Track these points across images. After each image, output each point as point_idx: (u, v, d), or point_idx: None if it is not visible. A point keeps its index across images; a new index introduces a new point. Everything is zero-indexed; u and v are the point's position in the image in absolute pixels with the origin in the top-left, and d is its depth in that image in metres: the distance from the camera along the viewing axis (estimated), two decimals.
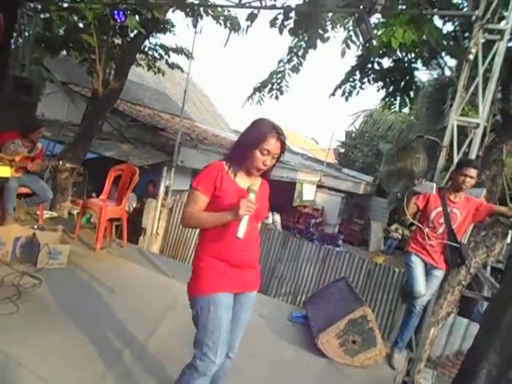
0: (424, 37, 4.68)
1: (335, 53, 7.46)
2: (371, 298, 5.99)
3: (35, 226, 4.56)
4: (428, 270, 3.25)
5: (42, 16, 6.86)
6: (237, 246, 1.88)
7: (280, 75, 7.08)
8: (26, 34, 6.19)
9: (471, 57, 3.38)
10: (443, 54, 5.81)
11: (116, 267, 4.23)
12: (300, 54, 6.56)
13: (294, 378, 2.98)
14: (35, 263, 3.69)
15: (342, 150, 24.75)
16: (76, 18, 7.25)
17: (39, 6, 6.36)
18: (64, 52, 8.47)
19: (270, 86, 7.20)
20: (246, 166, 1.95)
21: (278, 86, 7.17)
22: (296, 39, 6.01)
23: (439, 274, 3.26)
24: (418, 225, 3.27)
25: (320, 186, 15.80)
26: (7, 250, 3.74)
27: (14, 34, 6.07)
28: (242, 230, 1.77)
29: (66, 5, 6.31)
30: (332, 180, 16.23)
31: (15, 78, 6.02)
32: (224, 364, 2.00)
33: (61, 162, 4.89)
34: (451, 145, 3.52)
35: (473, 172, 3.09)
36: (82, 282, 3.67)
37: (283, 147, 1.94)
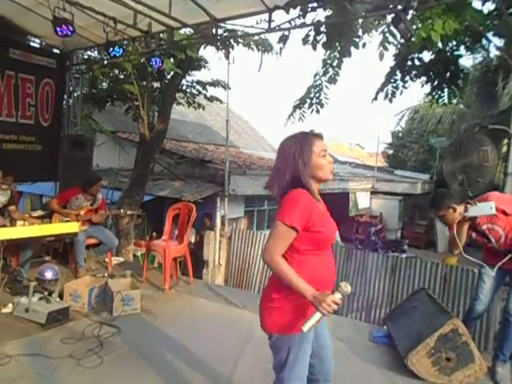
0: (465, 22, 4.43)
1: (369, 55, 7.27)
2: (452, 304, 5.52)
3: (106, 274, 4.72)
4: None
5: (86, 76, 7.36)
6: (325, 274, 1.80)
7: (317, 89, 7.01)
8: (75, 94, 6.65)
9: None
10: (489, 35, 5.48)
11: (187, 305, 4.25)
12: (335, 64, 6.48)
13: None
14: (111, 312, 3.78)
15: (391, 152, 23.90)
16: (117, 72, 7.71)
17: (83, 67, 6.83)
18: (109, 103, 9.02)
19: (309, 101, 7.15)
20: (319, 179, 1.80)
21: (317, 100, 7.10)
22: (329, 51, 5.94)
23: None
24: (475, 260, 3.02)
25: (374, 192, 15.30)
26: (83, 302, 3.87)
27: (65, 97, 6.55)
28: (308, 325, 1.61)
29: (106, 62, 6.72)
30: (386, 184, 15.68)
31: (69, 136, 6.46)
32: None
33: (122, 211, 5.08)
34: None
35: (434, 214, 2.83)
36: (158, 325, 3.70)
37: None
